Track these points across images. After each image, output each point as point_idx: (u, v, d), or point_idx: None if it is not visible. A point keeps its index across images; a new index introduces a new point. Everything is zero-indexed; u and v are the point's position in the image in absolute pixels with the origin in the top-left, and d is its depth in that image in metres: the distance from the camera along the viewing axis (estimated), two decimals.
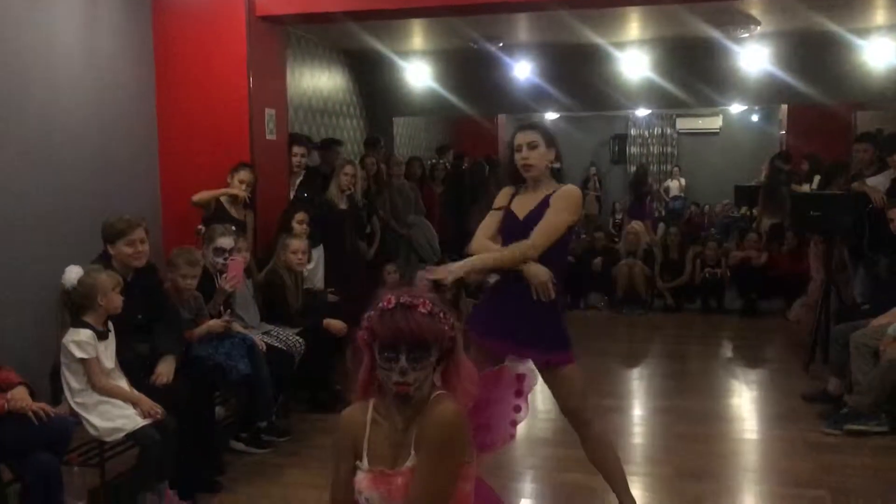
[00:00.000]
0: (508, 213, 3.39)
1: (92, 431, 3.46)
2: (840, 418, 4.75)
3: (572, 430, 4.84)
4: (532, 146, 3.30)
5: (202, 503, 3.81)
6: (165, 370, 3.82)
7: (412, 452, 1.84)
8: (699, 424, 5.03)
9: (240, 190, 5.44)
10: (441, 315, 1.87)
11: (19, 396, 3.09)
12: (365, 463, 1.88)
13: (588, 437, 3.40)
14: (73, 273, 3.50)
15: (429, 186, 8.86)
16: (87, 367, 3.45)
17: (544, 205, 3.30)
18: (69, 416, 3.37)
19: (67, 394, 3.46)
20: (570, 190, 3.34)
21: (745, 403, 5.73)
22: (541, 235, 3.22)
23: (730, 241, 10.36)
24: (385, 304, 1.87)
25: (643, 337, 8.19)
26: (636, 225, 9.81)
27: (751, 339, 7.70)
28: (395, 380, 1.83)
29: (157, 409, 3.55)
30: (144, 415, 3.52)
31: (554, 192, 3.33)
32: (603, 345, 7.78)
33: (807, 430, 4.82)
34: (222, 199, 5.43)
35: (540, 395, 6.03)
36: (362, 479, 1.87)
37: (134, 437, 3.49)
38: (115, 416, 3.47)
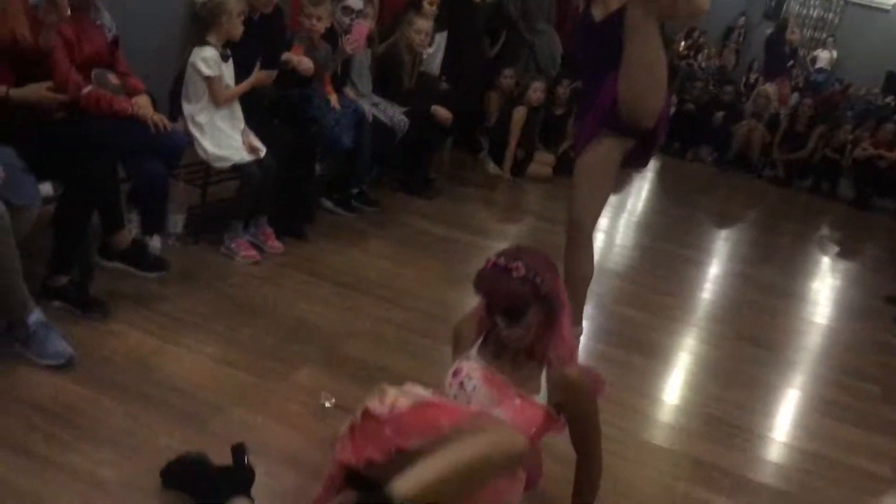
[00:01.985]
0: (587, 16, 3.07)
1: (202, 154, 3.66)
2: None
3: (644, 268, 4.94)
4: None
5: (289, 245, 4.06)
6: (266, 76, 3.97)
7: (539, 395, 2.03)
8: (772, 296, 5.02)
9: None
10: (535, 280, 1.92)
11: (144, 104, 3.26)
12: (475, 352, 2.04)
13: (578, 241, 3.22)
14: None
15: None
16: (211, 85, 3.59)
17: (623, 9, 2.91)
18: (184, 135, 3.56)
19: (187, 112, 3.63)
20: None
21: (825, 290, 5.65)
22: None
23: (864, 129, 9.76)
24: (486, 264, 1.96)
25: (743, 202, 8.02)
26: (769, 88, 9.31)
27: (853, 231, 7.46)
28: (499, 333, 2.01)
29: (259, 146, 3.73)
30: (249, 149, 3.70)
31: None
32: (699, 198, 7.67)
33: (880, 329, 4.77)
34: None
35: (621, 232, 6.09)
36: (474, 368, 2.02)
37: (238, 169, 3.69)
38: (226, 145, 3.65)
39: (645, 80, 2.88)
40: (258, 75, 3.87)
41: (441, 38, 5.94)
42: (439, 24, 5.65)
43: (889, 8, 15.11)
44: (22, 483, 2.07)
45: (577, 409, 2.04)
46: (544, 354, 2.02)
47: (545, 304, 1.95)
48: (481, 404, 1.95)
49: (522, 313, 1.93)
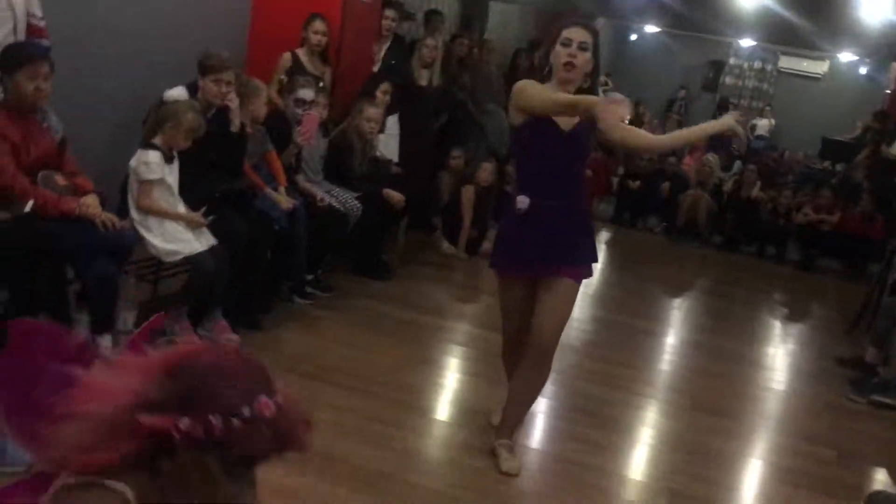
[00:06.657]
0: (542, 122, 3.03)
1: (151, 250, 3.65)
2: (868, 387, 4.75)
3: (601, 341, 4.98)
4: (583, 47, 3.00)
5: (245, 336, 4.00)
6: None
7: None
8: (726, 364, 5.08)
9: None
10: None
11: (91, 203, 3.25)
12: None
13: (538, 359, 3.20)
14: (174, 92, 3.64)
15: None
16: (142, 188, 3.56)
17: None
18: (132, 231, 3.55)
19: (133, 212, 3.62)
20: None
21: (778, 354, 5.74)
22: None
23: (804, 193, 10.07)
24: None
25: (693, 270, 8.16)
26: (711, 157, 9.59)
27: (801, 294, 7.63)
28: None
29: (202, 221, 3.70)
30: (190, 224, 3.67)
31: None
32: (650, 269, 7.79)
33: (832, 392, 4.83)
34: (298, 52, 5.32)
35: (577, 305, 6.13)
36: None
37: (190, 260, 3.67)
38: (176, 238, 3.64)
39: None
40: (192, 216, 3.71)
41: (394, 122, 6.02)
42: (389, 109, 5.74)
43: (820, 76, 15.84)
44: None
45: None
46: None
47: None
48: None
49: None
